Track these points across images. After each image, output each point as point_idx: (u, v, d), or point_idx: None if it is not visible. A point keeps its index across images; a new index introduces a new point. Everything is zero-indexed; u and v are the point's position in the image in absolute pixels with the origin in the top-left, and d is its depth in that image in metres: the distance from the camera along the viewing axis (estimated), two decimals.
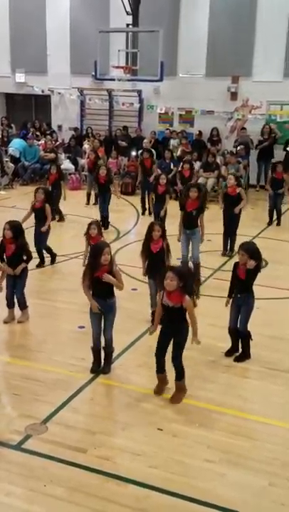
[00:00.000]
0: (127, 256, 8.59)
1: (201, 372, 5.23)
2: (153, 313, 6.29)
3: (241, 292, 5.40)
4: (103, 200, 10.40)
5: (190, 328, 4.69)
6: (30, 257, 6.29)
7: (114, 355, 5.43)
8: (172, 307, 4.60)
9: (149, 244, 6.04)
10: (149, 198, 11.13)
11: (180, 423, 4.47)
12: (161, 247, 6.04)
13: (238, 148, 13.58)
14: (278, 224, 10.95)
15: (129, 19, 14.32)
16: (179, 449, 4.18)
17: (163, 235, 6.09)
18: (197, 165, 13.45)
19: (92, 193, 11.90)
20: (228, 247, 8.87)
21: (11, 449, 4.11)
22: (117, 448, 4.17)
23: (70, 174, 14.02)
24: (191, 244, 7.41)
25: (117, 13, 14.37)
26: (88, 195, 12.22)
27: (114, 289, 5.06)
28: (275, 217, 11.00)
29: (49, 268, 8.21)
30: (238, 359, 5.49)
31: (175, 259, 6.88)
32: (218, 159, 13.51)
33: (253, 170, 13.94)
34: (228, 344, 5.63)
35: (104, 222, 9.99)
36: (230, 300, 5.51)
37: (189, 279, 4.66)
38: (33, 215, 8.08)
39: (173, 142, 14.47)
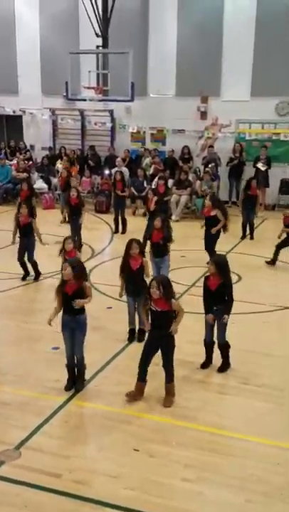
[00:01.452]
0: (102, 274, 8.59)
1: (177, 389, 5.21)
2: (130, 331, 6.28)
3: (216, 304, 5.44)
4: (75, 224, 10.01)
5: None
6: None
7: (90, 374, 5.38)
8: (160, 311, 4.84)
9: (129, 262, 6.07)
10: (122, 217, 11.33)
11: (156, 442, 4.44)
12: (141, 264, 6.10)
13: (210, 166, 13.81)
14: (251, 238, 11.14)
15: (99, 41, 14.53)
16: (155, 469, 4.14)
17: (141, 252, 6.15)
18: (170, 182, 13.61)
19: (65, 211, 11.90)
20: None
21: None
22: (92, 471, 4.10)
23: (43, 193, 14.00)
24: (160, 271, 7.38)
25: (87, 34, 14.56)
26: (63, 213, 12.22)
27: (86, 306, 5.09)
28: (248, 231, 11.20)
29: (22, 288, 8.12)
30: (220, 369, 5.56)
31: None
32: (191, 176, 13.71)
33: (223, 186, 14.17)
34: (195, 358, 5.70)
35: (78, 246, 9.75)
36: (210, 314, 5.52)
37: (169, 287, 4.86)
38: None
39: (146, 160, 14.62)
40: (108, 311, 7.01)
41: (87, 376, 5.34)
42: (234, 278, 8.56)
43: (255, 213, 11.27)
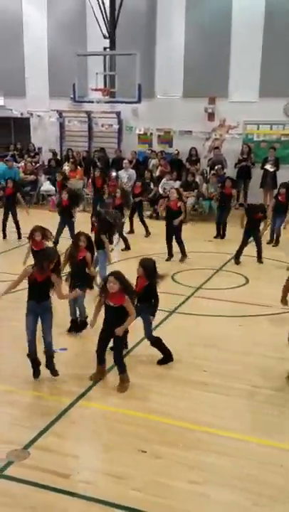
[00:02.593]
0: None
1: (184, 392, 5.22)
2: (72, 321, 6.51)
3: (140, 302, 5.54)
4: (67, 223, 10.02)
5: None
6: None
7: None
8: (113, 307, 5.07)
9: (75, 253, 6.37)
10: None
11: (163, 444, 4.44)
12: (84, 256, 6.37)
13: (217, 167, 13.81)
14: (222, 237, 11.19)
15: (107, 42, 14.59)
16: (162, 470, 4.14)
17: (89, 247, 6.47)
18: (176, 184, 13.62)
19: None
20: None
21: None
22: (100, 472, 4.12)
23: (50, 196, 14.06)
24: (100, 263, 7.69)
25: (95, 36, 14.64)
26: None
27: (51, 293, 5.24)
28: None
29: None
30: (160, 362, 5.74)
31: None
32: (198, 178, 13.71)
33: None
34: (199, 360, 5.76)
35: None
36: None
37: (128, 282, 5.08)
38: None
39: (153, 162, 14.65)
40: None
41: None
42: (242, 280, 8.62)
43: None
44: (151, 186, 13.59)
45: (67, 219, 9.98)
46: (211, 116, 14.65)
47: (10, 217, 10.85)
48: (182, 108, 14.56)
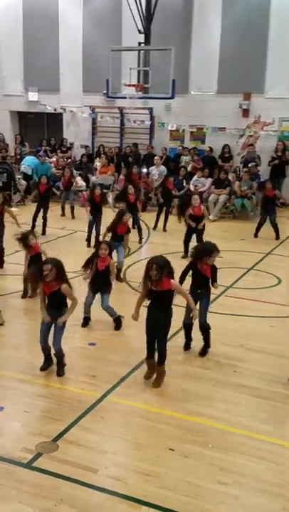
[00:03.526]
0: (137, 273, 8.56)
1: (214, 392, 5.14)
2: (84, 318, 6.51)
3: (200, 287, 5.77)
4: (99, 219, 10.08)
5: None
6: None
7: (126, 372, 5.39)
8: (159, 291, 4.97)
9: (97, 262, 6.35)
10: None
11: (192, 443, 4.39)
12: (108, 264, 6.36)
13: (250, 165, 13.59)
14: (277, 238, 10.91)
15: (141, 37, 14.49)
16: (191, 470, 4.09)
17: (110, 254, 6.46)
18: (208, 181, 13.49)
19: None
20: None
21: (21, 467, 4.05)
22: (128, 468, 4.10)
23: (81, 191, 14.11)
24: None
25: (129, 31, 14.56)
26: (63, 209, 12.69)
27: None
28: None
29: None
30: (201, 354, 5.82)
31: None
32: (230, 176, 13.53)
33: None
34: (231, 361, 5.71)
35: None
36: None
37: (168, 266, 4.98)
38: None
39: (185, 159, 14.53)
40: (145, 309, 6.98)
41: (123, 372, 5.35)
42: (275, 281, 8.45)
43: None
44: (184, 183, 13.48)
45: (98, 214, 10.01)
46: (245, 112, 14.40)
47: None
48: (216, 104, 14.37)
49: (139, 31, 14.45)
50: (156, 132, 15.45)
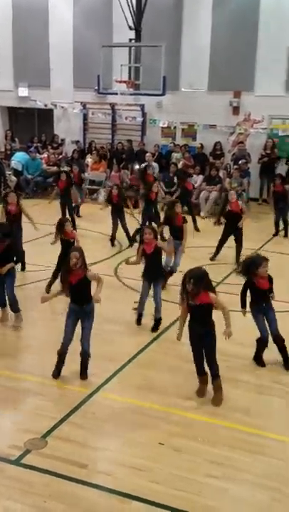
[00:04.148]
0: (130, 269, 8.55)
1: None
2: (139, 315, 6.44)
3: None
4: (120, 219, 10.04)
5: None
6: (18, 258, 6.35)
7: (117, 368, 5.37)
8: (197, 306, 4.71)
9: (144, 247, 6.24)
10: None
11: (181, 437, 4.40)
12: (155, 247, 6.21)
13: (240, 162, 13.62)
14: (286, 235, 10.94)
15: (132, 34, 14.47)
16: (181, 463, 4.10)
17: (156, 237, 6.30)
18: (200, 178, 13.50)
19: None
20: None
21: (10, 464, 4.04)
22: (118, 463, 4.10)
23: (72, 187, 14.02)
24: (177, 252, 7.70)
25: (120, 28, 14.52)
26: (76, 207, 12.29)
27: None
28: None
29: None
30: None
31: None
32: (221, 173, 13.55)
33: (254, 184, 13.94)
34: (222, 356, 5.59)
35: (128, 238, 9.98)
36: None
37: (205, 278, 4.75)
38: None
39: (176, 156, 14.52)
40: (134, 305, 6.98)
41: (114, 368, 5.34)
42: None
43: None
44: (175, 180, 13.47)
45: (119, 214, 9.94)
46: (235, 110, 14.42)
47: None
48: (207, 101, 14.35)
49: (130, 28, 14.42)
50: (148, 129, 15.42)
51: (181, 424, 4.59)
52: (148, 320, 6.50)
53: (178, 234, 7.63)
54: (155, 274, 6.26)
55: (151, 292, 6.39)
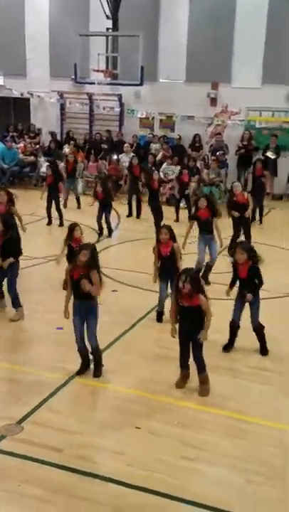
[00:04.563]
0: (108, 258, 8.55)
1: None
2: (158, 313, 6.36)
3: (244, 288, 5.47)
4: (106, 212, 10.08)
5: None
6: (19, 252, 6.23)
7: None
8: (186, 307, 4.69)
9: (159, 248, 6.14)
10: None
11: (157, 421, 4.43)
12: (172, 249, 6.10)
13: (218, 153, 13.69)
14: (260, 221, 11.10)
15: (109, 23, 14.36)
16: (157, 447, 4.13)
17: (172, 238, 6.15)
18: (177, 169, 13.51)
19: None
20: None
21: None
22: (94, 447, 4.11)
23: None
24: (208, 248, 7.56)
25: (97, 17, 14.40)
26: (64, 201, 12.21)
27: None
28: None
29: (25, 270, 8.09)
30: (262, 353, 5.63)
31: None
32: (198, 164, 13.60)
33: (232, 175, 14.03)
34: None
35: (109, 230, 10.10)
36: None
37: (199, 281, 4.78)
38: None
39: (154, 146, 14.51)
40: (113, 294, 6.98)
41: (90, 355, 5.32)
42: None
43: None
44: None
45: (104, 208, 9.99)
46: (213, 101, 14.47)
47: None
48: (185, 93, 14.37)
49: (107, 17, 14.32)
50: (126, 119, 15.36)
51: (158, 408, 4.62)
52: (125, 310, 6.50)
53: (205, 228, 7.47)
54: (172, 274, 5.94)
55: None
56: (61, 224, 10.43)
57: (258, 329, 5.57)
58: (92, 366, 5.15)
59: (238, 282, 5.62)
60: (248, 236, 9.03)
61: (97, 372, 5.09)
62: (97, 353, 5.13)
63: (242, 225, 8.99)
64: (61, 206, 10.82)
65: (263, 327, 5.58)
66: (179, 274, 4.73)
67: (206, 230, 7.49)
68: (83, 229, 8.37)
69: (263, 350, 5.62)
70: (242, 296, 5.50)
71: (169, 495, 3.65)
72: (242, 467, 3.96)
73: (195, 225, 7.61)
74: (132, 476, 3.80)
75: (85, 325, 5.01)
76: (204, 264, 7.61)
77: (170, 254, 6.10)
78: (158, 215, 10.34)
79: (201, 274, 7.10)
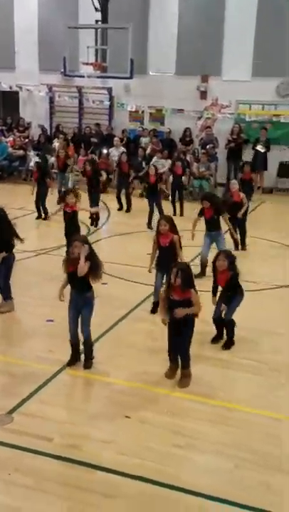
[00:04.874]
0: (97, 252, 8.54)
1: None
2: (154, 304, 6.35)
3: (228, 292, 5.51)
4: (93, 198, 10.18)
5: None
6: (10, 246, 6.18)
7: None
8: (176, 301, 4.68)
9: (158, 238, 6.14)
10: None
11: (148, 411, 4.46)
12: (171, 240, 6.08)
13: (208, 147, 13.71)
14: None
15: (99, 15, 14.30)
16: (146, 435, 4.17)
17: (173, 230, 6.14)
18: (168, 163, 13.51)
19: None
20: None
21: None
22: (84, 436, 4.13)
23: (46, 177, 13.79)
24: (218, 244, 7.56)
25: (86, 9, 14.33)
26: (59, 193, 12.15)
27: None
28: None
29: (16, 263, 8.08)
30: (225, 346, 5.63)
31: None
32: (188, 157, 13.61)
33: (222, 168, 14.07)
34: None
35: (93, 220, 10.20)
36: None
37: (191, 275, 4.77)
38: None
39: (144, 140, 14.49)
40: (103, 287, 6.98)
41: (80, 346, 5.34)
42: None
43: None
44: (143, 165, 13.46)
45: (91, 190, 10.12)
46: (203, 94, 14.48)
47: None
48: (175, 86, 14.36)
49: (96, 9, 14.24)
50: (116, 113, 15.32)
51: (147, 398, 4.65)
52: (115, 302, 6.52)
53: (210, 226, 7.49)
54: (170, 264, 6.13)
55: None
56: (45, 219, 10.51)
57: (229, 323, 5.62)
58: (82, 358, 5.16)
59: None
60: (242, 232, 9.07)
61: (88, 364, 5.11)
62: (89, 343, 5.14)
63: (238, 223, 8.91)
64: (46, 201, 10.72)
65: (235, 324, 5.61)
66: (172, 268, 4.73)
67: (212, 228, 7.56)
68: None
69: (228, 344, 5.63)
70: (224, 295, 5.53)
71: (160, 482, 3.68)
72: (230, 454, 4.01)
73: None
74: (123, 464, 3.83)
75: (80, 316, 5.03)
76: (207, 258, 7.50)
77: (169, 245, 6.10)
78: (160, 209, 10.29)
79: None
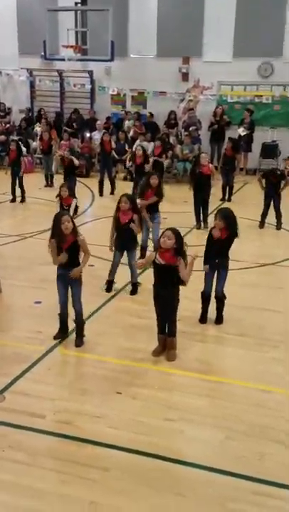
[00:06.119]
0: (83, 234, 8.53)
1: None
2: (108, 282, 6.42)
3: (218, 257, 5.48)
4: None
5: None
6: None
7: (73, 325, 5.39)
8: (164, 265, 4.67)
9: (118, 216, 6.08)
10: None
11: (139, 386, 4.51)
12: (130, 219, 6.06)
13: (191, 129, 13.68)
14: (229, 200, 11.09)
15: None
16: (138, 410, 4.21)
17: (134, 208, 6.11)
18: (151, 145, 13.46)
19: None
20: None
21: None
22: (76, 412, 4.16)
23: (22, 157, 13.67)
24: (152, 228, 7.44)
25: None
26: (46, 177, 12.09)
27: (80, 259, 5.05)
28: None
29: (2, 248, 8.04)
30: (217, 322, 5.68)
31: None
32: (172, 140, 13.57)
33: (205, 150, 14.03)
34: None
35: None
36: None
37: (182, 239, 4.76)
38: None
39: (127, 123, 14.39)
40: (90, 269, 6.97)
41: (71, 325, 5.35)
42: None
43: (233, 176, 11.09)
44: (126, 148, 13.39)
45: (71, 176, 10.07)
46: (185, 76, 14.40)
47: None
48: (156, 68, 14.26)
49: None
50: (97, 96, 15.18)
51: (138, 374, 4.69)
52: (102, 283, 6.54)
53: (152, 207, 7.38)
54: (128, 243, 6.17)
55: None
56: (23, 200, 10.49)
57: (221, 298, 5.66)
58: (73, 335, 5.19)
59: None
60: (206, 207, 9.16)
61: (79, 341, 5.13)
62: (80, 319, 5.17)
63: (203, 197, 9.00)
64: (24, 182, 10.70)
65: (225, 297, 5.66)
66: (164, 231, 4.72)
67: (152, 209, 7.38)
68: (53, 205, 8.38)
69: (219, 319, 5.69)
70: (213, 266, 5.53)
71: (153, 454, 3.73)
72: (221, 425, 4.08)
73: None
74: (116, 438, 3.87)
75: (70, 292, 5.05)
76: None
77: (128, 223, 6.06)
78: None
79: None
